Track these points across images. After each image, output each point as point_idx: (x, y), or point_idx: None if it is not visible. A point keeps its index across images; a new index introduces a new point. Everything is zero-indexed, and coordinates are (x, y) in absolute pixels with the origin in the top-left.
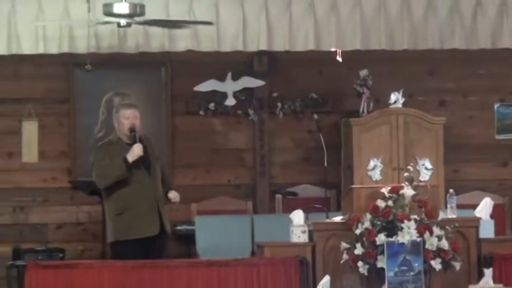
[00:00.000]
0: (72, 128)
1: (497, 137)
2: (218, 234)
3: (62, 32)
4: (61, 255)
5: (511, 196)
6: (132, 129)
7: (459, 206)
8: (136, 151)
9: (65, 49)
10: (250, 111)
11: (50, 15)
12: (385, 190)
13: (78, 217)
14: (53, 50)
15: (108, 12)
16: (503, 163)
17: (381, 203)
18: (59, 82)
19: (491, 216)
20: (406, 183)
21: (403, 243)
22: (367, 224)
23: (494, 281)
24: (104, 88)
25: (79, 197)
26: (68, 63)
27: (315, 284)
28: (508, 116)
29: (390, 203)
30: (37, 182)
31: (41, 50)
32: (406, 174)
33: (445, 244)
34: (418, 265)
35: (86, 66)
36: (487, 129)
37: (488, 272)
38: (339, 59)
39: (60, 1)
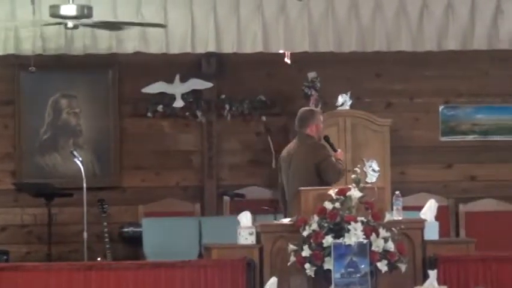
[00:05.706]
0: (17, 129)
1: (442, 139)
2: (165, 236)
3: (7, 34)
4: (5, 257)
5: (455, 198)
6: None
7: (405, 208)
8: (342, 157)
9: (11, 50)
10: (199, 113)
11: None
12: (332, 192)
13: (23, 219)
14: None
15: (54, 13)
16: (448, 165)
17: (328, 205)
18: (4, 84)
19: (436, 218)
20: (353, 185)
21: (349, 245)
22: (314, 226)
23: (439, 283)
24: (50, 90)
25: (24, 199)
26: (13, 64)
27: (262, 285)
28: (453, 118)
29: (337, 204)
30: None
31: None
32: (353, 176)
33: (391, 246)
34: (364, 267)
35: (30, 68)
36: (432, 131)
37: (432, 274)
38: (288, 60)
39: (5, 2)
